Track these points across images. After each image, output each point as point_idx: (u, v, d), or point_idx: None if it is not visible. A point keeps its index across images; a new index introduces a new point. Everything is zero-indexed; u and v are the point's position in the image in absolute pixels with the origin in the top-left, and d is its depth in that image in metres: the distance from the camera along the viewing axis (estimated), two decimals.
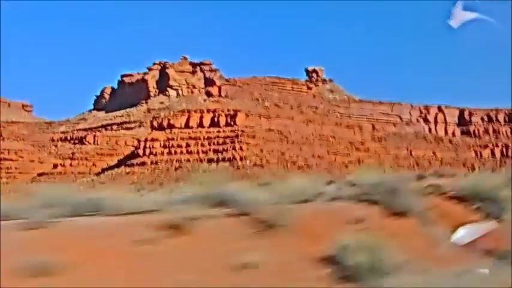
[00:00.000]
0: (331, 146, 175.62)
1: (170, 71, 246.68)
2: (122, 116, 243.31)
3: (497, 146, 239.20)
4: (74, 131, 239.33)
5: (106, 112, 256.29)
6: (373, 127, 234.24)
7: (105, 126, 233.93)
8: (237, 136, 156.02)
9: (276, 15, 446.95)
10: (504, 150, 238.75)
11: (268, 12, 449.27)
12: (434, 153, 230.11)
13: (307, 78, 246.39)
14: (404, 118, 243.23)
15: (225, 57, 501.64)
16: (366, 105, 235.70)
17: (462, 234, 11.44)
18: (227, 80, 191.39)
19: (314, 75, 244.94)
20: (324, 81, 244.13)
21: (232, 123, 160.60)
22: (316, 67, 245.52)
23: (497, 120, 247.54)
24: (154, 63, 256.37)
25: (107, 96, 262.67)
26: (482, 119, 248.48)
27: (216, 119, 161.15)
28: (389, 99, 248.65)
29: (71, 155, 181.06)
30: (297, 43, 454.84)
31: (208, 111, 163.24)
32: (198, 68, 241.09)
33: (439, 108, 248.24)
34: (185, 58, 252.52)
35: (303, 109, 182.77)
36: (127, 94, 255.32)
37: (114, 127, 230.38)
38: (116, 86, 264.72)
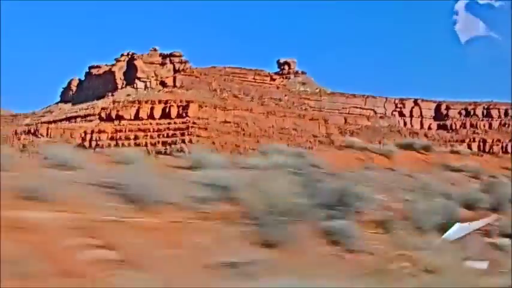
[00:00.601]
0: (292, 139, 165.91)
1: (138, 63, 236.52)
2: (87, 108, 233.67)
3: (474, 140, 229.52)
4: (38, 124, 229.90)
5: (73, 104, 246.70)
6: (345, 120, 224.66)
7: (69, 119, 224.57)
8: (187, 128, 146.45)
9: (250, 5, 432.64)
10: (481, 145, 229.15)
11: (242, 3, 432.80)
12: None
13: (278, 70, 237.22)
14: (379, 111, 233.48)
15: (197, 49, 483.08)
16: (338, 98, 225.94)
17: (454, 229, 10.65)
18: (183, 70, 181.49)
19: (286, 67, 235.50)
20: (296, 73, 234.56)
21: (184, 114, 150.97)
22: (289, 59, 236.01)
23: (475, 114, 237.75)
24: (122, 55, 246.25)
25: (74, 88, 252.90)
26: (459, 112, 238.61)
27: (167, 110, 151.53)
28: (365, 93, 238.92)
29: (21, 148, 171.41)
30: (271, 34, 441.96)
31: (159, 102, 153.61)
32: (167, 60, 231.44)
33: (415, 102, 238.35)
34: (155, 49, 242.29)
35: (264, 101, 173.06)
36: (94, 86, 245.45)
37: (78, 120, 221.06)
38: (83, 78, 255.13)
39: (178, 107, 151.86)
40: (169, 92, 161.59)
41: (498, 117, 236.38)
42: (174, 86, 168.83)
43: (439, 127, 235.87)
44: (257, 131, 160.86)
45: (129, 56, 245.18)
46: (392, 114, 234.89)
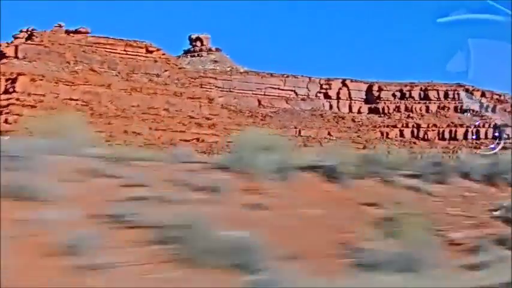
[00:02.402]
0: (159, 120, 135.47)
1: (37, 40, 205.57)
2: None
3: (407, 126, 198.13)
4: None
5: None
6: (259, 102, 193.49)
7: None
8: (8, 105, 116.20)
9: None
10: (415, 130, 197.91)
11: None
12: (329, 133, 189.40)
13: (190, 47, 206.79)
14: (301, 93, 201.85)
15: (106, 24, 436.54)
16: (252, 77, 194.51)
17: None
18: (30, 38, 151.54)
19: (198, 43, 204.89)
20: (209, 50, 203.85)
21: (11, 89, 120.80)
22: (201, 35, 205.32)
23: (411, 96, 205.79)
24: (21, 31, 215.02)
25: None
26: (393, 94, 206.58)
27: None
28: (290, 73, 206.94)
29: None
30: (187, 10, 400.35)
31: None
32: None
33: (343, 82, 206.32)
34: (60, 25, 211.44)
35: (133, 76, 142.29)
36: None
37: None
38: None
39: (6, 80, 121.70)
40: (3, 64, 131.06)
41: (437, 100, 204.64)
42: (16, 57, 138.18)
43: (371, 111, 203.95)
44: (112, 111, 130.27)
45: (29, 33, 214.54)
46: (316, 96, 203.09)
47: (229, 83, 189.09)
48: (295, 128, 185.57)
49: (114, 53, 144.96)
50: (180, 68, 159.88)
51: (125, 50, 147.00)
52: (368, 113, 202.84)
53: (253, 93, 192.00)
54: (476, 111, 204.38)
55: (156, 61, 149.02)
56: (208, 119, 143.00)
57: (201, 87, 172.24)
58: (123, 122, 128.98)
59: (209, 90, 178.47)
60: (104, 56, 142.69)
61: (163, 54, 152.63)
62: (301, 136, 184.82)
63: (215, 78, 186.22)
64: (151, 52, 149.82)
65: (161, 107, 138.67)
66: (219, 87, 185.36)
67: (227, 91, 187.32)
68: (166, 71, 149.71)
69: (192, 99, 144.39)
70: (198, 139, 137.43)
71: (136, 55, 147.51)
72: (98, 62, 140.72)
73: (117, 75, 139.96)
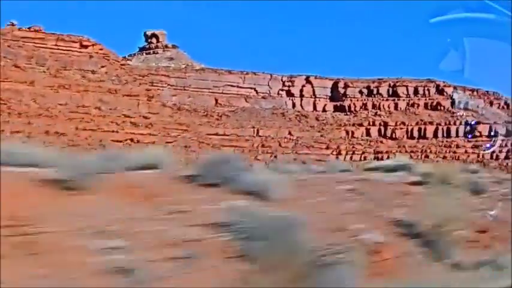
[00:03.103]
0: (89, 119, 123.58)
1: None
2: None
3: (374, 124, 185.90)
4: None
5: None
6: (216, 101, 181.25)
7: None
8: None
9: None
10: (382, 129, 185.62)
11: None
12: (290, 132, 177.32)
13: (146, 44, 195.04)
14: (262, 91, 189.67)
15: (61, 22, 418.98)
16: (208, 75, 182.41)
17: None
18: None
19: (154, 40, 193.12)
20: (166, 47, 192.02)
21: None
22: (157, 31, 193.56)
23: (378, 93, 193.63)
24: None
25: None
26: (360, 91, 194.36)
27: None
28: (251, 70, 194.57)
29: None
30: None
31: None
32: None
33: (307, 79, 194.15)
34: (13, 24, 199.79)
35: (66, 73, 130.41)
36: None
37: None
38: None
39: None
40: None
41: (406, 96, 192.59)
42: None
43: (336, 109, 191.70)
44: (33, 110, 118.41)
45: None
46: (278, 94, 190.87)
47: (184, 80, 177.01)
48: (253, 127, 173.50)
49: (44, 47, 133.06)
50: (122, 65, 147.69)
51: (56, 45, 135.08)
52: (333, 111, 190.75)
53: (210, 92, 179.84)
54: (448, 109, 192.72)
55: (91, 56, 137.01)
56: (145, 118, 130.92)
57: (152, 85, 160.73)
58: (45, 122, 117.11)
59: (160, 88, 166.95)
60: (31, 51, 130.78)
61: (101, 49, 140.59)
62: (260, 136, 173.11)
63: (168, 76, 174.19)
64: (86, 47, 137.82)
65: (92, 105, 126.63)
66: (172, 86, 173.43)
67: (181, 89, 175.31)
68: (103, 67, 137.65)
69: (129, 96, 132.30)
70: (132, 140, 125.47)
71: (69, 50, 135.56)
72: (24, 57, 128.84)
73: (44, 72, 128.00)
